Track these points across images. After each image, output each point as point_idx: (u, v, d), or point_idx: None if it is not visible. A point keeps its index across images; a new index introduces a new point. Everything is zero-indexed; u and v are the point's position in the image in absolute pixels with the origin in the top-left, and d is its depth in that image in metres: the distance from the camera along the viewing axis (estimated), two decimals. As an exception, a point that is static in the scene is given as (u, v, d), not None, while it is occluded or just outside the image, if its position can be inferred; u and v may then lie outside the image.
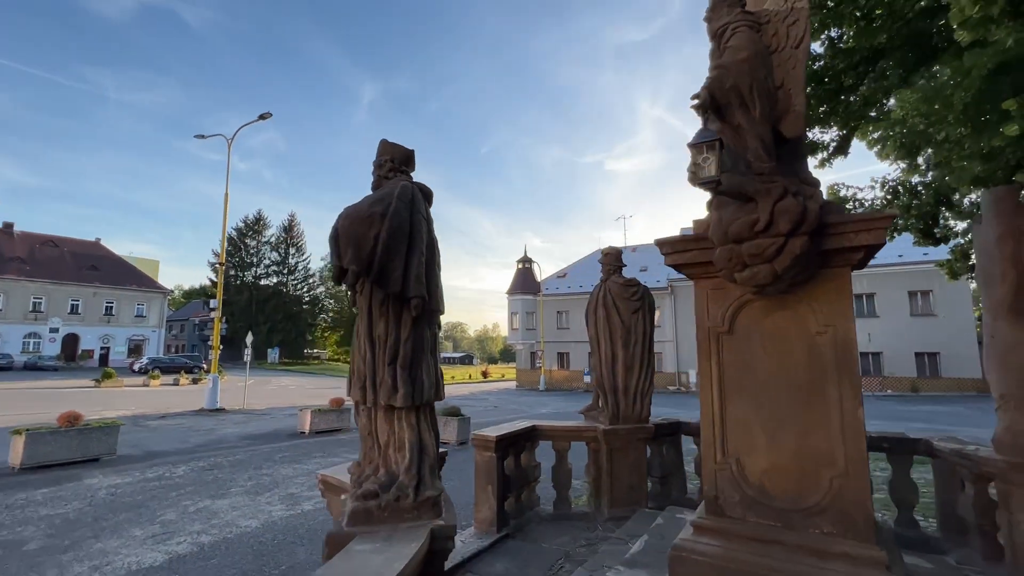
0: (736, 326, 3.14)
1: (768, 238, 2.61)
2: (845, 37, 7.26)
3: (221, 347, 22.83)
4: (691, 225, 3.22)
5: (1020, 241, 3.83)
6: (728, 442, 3.11)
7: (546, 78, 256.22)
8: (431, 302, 2.58)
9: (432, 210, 2.87)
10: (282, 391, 29.20)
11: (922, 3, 6.10)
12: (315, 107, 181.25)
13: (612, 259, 6.04)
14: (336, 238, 2.44)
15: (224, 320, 23.68)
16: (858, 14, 6.57)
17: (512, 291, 43.27)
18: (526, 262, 44.08)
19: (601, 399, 5.70)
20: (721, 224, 2.76)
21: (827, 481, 2.78)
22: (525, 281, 43.29)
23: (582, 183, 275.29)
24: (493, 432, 5.16)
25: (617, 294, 5.80)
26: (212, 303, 21.46)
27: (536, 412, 21.57)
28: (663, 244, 3.23)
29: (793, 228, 2.56)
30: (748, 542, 2.90)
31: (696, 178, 2.54)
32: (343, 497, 2.99)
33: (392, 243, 2.36)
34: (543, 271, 45.61)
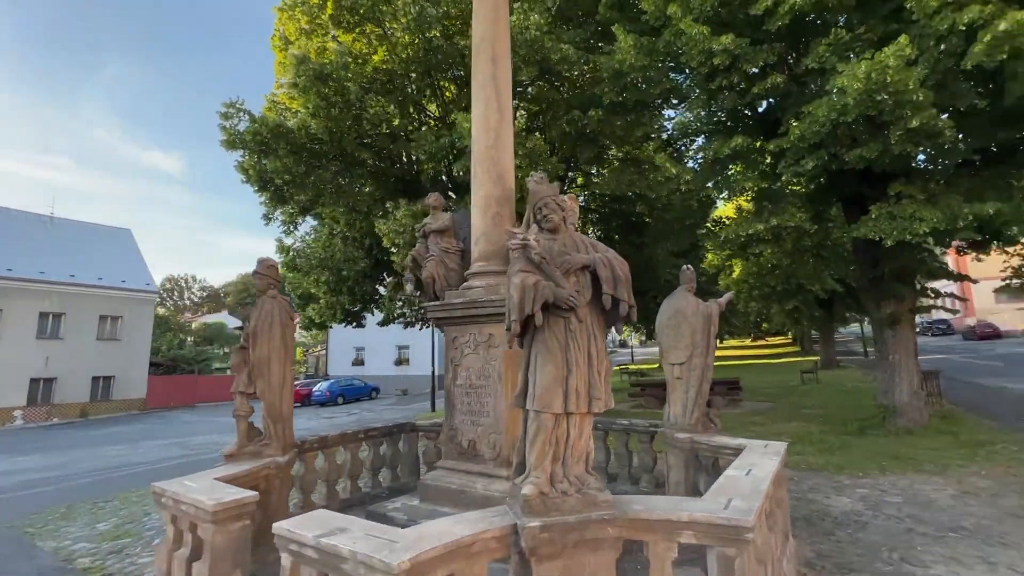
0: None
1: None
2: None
3: None
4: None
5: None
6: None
7: None
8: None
9: None
10: None
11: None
12: None
13: (276, 271, 5.51)
14: (626, 280, 3.04)
15: None
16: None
17: None
18: None
19: (272, 428, 5.01)
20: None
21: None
22: None
23: None
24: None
25: (288, 312, 5.43)
26: None
27: None
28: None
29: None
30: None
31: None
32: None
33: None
34: None
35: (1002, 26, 5.39)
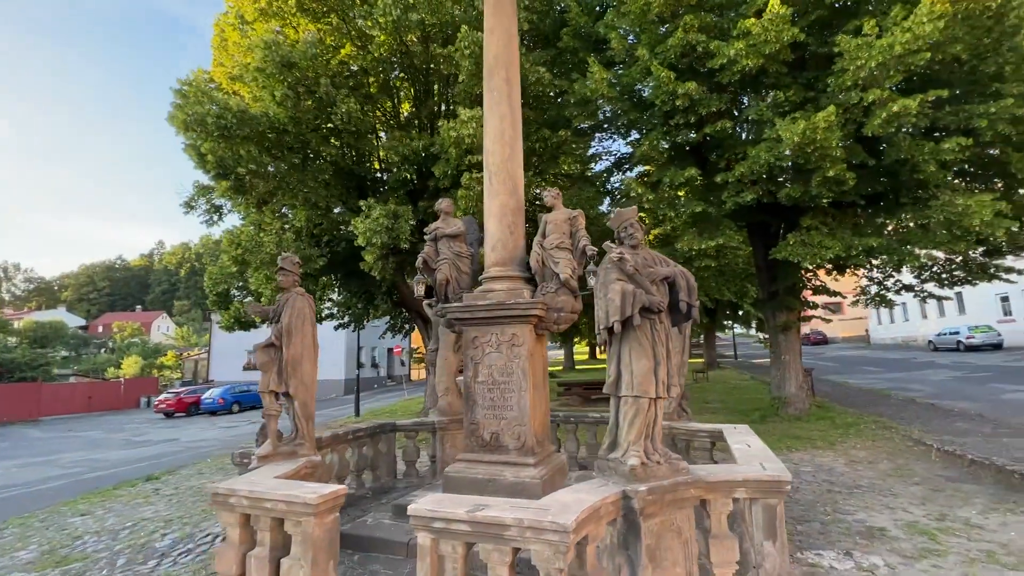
0: (535, 351, 6.06)
1: (580, 315, 6.11)
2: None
3: None
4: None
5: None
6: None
7: None
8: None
9: None
10: None
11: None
12: None
13: (299, 267, 5.40)
14: (695, 290, 3.77)
15: None
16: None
17: None
18: None
19: (304, 427, 4.94)
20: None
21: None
22: None
23: None
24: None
25: (314, 309, 5.36)
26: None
27: None
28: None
29: (580, 312, 6.24)
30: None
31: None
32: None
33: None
34: None
35: (895, 108, 7.32)
